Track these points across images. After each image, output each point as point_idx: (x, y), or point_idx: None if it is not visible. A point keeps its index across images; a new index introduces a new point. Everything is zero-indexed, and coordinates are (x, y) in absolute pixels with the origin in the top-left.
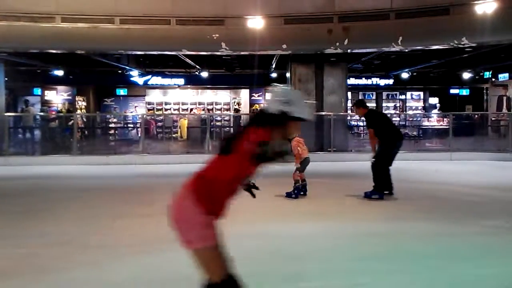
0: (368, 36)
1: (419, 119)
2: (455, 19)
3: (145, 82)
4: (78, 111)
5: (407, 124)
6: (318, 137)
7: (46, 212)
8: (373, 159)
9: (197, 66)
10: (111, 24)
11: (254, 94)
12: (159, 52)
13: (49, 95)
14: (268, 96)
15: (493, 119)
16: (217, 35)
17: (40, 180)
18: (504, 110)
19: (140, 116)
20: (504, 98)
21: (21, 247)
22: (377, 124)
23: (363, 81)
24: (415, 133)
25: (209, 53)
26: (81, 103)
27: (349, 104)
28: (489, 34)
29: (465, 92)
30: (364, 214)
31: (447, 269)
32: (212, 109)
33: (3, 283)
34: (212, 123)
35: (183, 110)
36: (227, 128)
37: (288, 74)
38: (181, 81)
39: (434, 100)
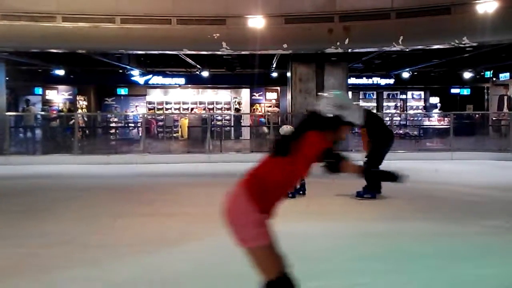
0: (369, 35)
1: (419, 118)
2: (456, 18)
3: (146, 82)
4: (79, 111)
5: (407, 123)
6: None
7: (46, 212)
8: (366, 159)
9: (198, 66)
10: (112, 24)
11: (254, 94)
12: (160, 52)
13: (50, 94)
14: (321, 100)
15: (494, 118)
16: (218, 34)
17: (40, 180)
18: (505, 109)
19: (141, 115)
20: (505, 97)
21: (21, 246)
22: (369, 123)
23: (363, 80)
24: (415, 132)
25: (209, 52)
26: (82, 102)
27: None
28: (490, 33)
29: (466, 91)
30: (364, 214)
31: (447, 269)
32: (212, 109)
33: (3, 282)
34: (212, 123)
35: (184, 109)
36: (228, 128)
37: (288, 74)
38: (181, 80)
39: (434, 100)
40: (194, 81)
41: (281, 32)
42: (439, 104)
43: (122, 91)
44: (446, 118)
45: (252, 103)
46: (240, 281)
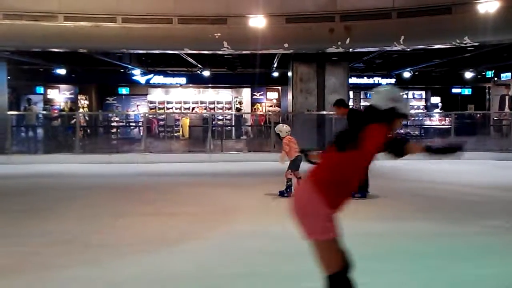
0: (370, 35)
1: (421, 118)
2: (457, 18)
3: (147, 81)
4: (81, 110)
5: (408, 123)
6: (319, 136)
7: (48, 211)
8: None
9: (199, 65)
10: (113, 23)
11: (255, 93)
12: (161, 51)
13: (52, 93)
14: (375, 94)
15: (495, 118)
16: (219, 34)
17: (42, 179)
18: (506, 109)
19: (142, 115)
20: (507, 97)
21: (23, 245)
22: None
23: (364, 80)
24: (416, 132)
25: (211, 52)
26: (83, 101)
27: (351, 104)
28: (491, 33)
29: (467, 91)
30: (364, 214)
31: (447, 269)
32: (213, 108)
33: (5, 281)
34: (213, 122)
35: (185, 109)
36: (229, 127)
37: (289, 73)
38: (183, 80)
39: (436, 100)
40: (195, 80)
41: (282, 32)
42: (440, 104)
43: (124, 90)
44: (447, 118)
45: (253, 102)
46: (240, 281)
